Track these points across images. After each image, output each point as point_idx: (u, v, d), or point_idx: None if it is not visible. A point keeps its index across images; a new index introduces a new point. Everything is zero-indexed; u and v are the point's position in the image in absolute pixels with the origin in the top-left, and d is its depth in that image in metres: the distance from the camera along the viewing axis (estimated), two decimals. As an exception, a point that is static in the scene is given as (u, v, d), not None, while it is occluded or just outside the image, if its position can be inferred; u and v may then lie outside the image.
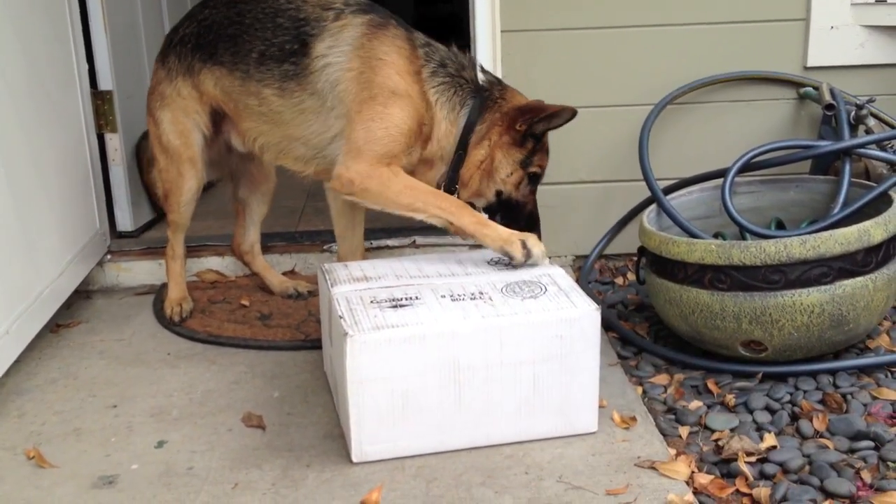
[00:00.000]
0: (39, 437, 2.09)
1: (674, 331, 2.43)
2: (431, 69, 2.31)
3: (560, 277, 2.12)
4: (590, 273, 2.91)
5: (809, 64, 2.96)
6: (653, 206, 2.59)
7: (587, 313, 1.96)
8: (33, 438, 2.08)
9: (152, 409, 2.21)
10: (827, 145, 2.49)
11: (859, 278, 2.15)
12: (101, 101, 3.13)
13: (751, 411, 2.11)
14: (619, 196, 3.00)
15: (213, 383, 2.33)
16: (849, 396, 2.13)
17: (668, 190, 2.69)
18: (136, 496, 1.85)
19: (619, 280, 2.96)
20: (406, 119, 2.26)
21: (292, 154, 2.45)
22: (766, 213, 2.61)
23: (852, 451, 1.93)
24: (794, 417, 2.09)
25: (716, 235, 2.55)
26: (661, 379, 2.31)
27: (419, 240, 3.07)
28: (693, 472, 1.87)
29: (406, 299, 2.02)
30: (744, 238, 2.46)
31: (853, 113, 2.68)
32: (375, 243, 3.06)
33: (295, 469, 1.92)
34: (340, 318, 1.93)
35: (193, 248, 3.05)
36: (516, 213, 2.40)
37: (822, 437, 2.00)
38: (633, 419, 2.06)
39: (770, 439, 1.97)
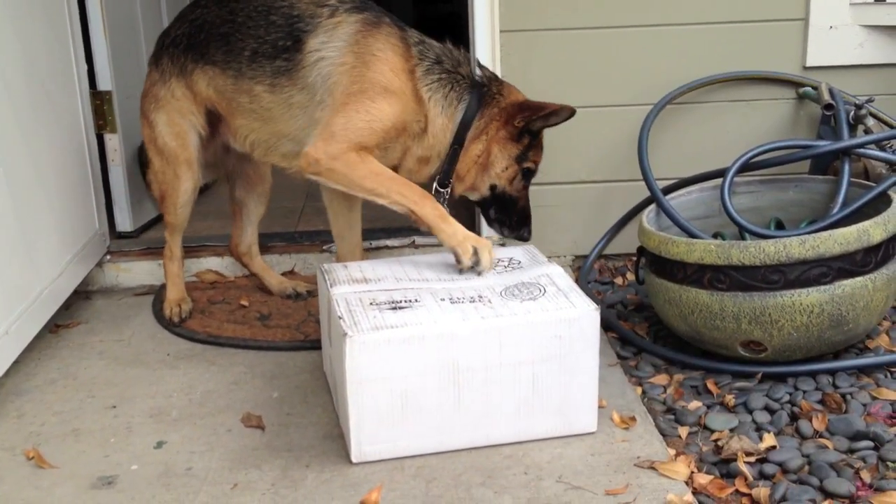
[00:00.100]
0: (39, 437, 2.09)
1: (673, 331, 2.43)
2: (426, 67, 2.32)
3: (559, 277, 2.12)
4: (589, 273, 2.91)
5: (808, 64, 2.96)
6: (652, 206, 2.58)
7: (586, 313, 1.96)
8: (32, 439, 2.08)
9: (152, 409, 2.20)
10: (826, 145, 2.49)
11: (859, 278, 2.15)
12: (100, 102, 3.13)
13: (750, 411, 2.11)
14: (618, 196, 3.00)
15: (213, 384, 2.33)
16: (848, 396, 2.13)
17: (668, 190, 2.69)
18: (136, 497, 1.85)
19: (619, 280, 2.96)
20: (392, 115, 2.27)
21: (279, 151, 2.46)
22: (766, 213, 2.61)
23: (852, 451, 1.93)
24: (794, 417, 2.09)
25: (715, 235, 2.55)
26: (661, 379, 2.31)
27: (418, 240, 3.08)
28: (692, 472, 1.87)
29: (405, 302, 2.02)
30: (743, 238, 2.46)
31: (852, 113, 2.68)
32: (375, 243, 3.06)
33: (294, 469, 1.92)
34: (340, 318, 1.93)
35: (193, 249, 3.05)
36: (509, 207, 2.43)
37: (821, 437, 2.00)
38: (633, 419, 2.06)
39: (769, 439, 1.97)
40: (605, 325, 2.53)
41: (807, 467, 1.88)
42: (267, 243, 3.06)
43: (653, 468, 1.87)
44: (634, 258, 2.54)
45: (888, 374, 2.25)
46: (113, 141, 3.18)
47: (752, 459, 1.91)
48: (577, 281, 2.69)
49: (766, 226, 2.51)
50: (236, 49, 2.41)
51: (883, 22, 2.93)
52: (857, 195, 2.36)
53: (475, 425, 1.96)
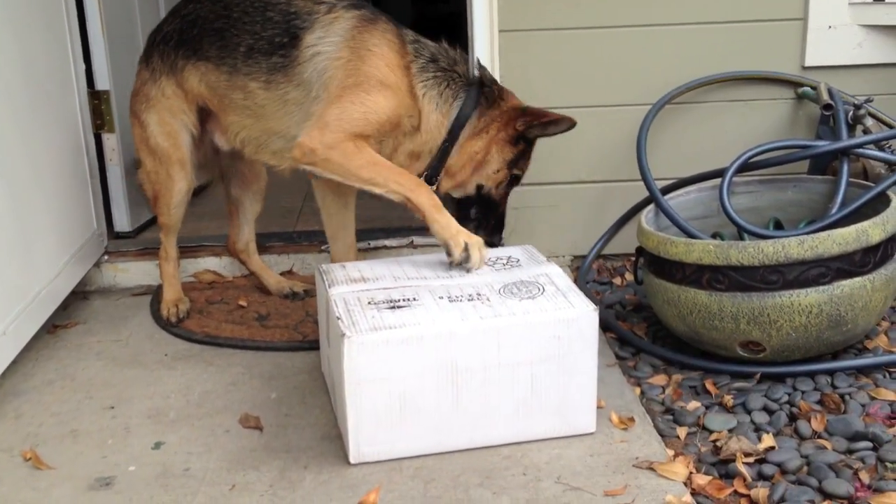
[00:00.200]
0: (36, 438, 2.09)
1: (672, 331, 2.43)
2: (421, 64, 2.33)
3: (558, 277, 2.12)
4: (588, 273, 2.91)
5: (807, 63, 2.96)
6: (651, 207, 2.58)
7: (585, 314, 1.96)
8: (30, 440, 2.08)
9: (149, 410, 2.20)
10: (825, 145, 2.48)
11: (857, 279, 2.15)
12: (98, 101, 3.12)
13: (749, 412, 2.11)
14: (617, 196, 3.00)
15: (211, 384, 2.33)
16: (847, 397, 2.13)
17: (666, 190, 2.69)
18: (133, 498, 1.84)
19: (618, 280, 2.96)
20: (387, 108, 2.28)
21: (270, 148, 2.46)
22: (765, 213, 2.61)
23: (850, 451, 1.93)
24: (793, 418, 2.08)
25: (714, 235, 2.55)
26: (660, 379, 2.30)
27: (417, 240, 3.07)
28: (691, 472, 1.87)
29: (404, 300, 2.01)
30: (742, 238, 2.46)
31: (851, 113, 2.68)
32: (373, 243, 3.06)
33: (292, 470, 1.92)
34: (338, 319, 1.93)
35: (191, 249, 3.05)
36: (489, 210, 2.44)
37: (820, 437, 2.00)
38: (632, 420, 2.06)
39: (768, 440, 1.97)
40: (604, 326, 2.53)
41: (805, 468, 1.88)
42: (265, 243, 3.06)
43: (651, 469, 1.86)
44: (633, 258, 2.54)
45: (887, 375, 2.24)
46: (111, 140, 3.18)
47: (751, 460, 1.91)
48: (575, 281, 2.69)
49: (764, 226, 2.51)
50: (231, 45, 2.40)
51: (882, 21, 2.92)
52: (855, 195, 2.36)
53: (474, 426, 1.95)
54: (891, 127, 2.78)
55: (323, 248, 3.07)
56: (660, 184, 2.66)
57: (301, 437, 2.05)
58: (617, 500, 1.78)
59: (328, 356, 2.17)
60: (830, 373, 2.24)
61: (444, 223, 2.20)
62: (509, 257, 2.27)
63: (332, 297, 2.04)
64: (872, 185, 2.38)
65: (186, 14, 2.52)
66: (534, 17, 2.90)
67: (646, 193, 2.69)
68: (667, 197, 2.60)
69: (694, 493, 1.81)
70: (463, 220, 2.36)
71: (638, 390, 2.25)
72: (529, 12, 2.90)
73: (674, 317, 2.34)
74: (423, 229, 2.64)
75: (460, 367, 1.91)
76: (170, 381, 2.36)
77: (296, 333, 2.60)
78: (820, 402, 2.13)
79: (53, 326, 2.69)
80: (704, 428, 2.07)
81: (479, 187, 2.42)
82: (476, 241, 2.19)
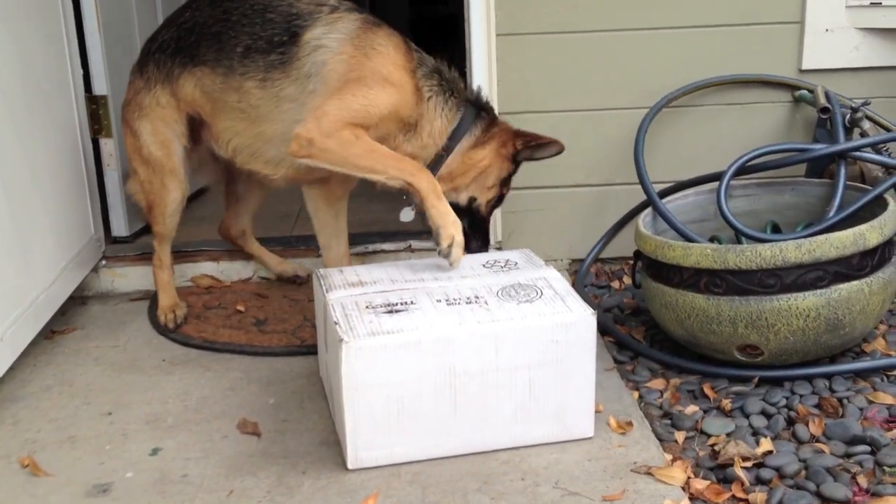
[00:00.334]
0: (34, 444, 2.08)
1: (670, 335, 2.43)
2: (425, 72, 2.36)
3: (556, 281, 2.12)
4: (586, 277, 2.91)
5: (804, 67, 2.96)
6: (648, 210, 2.58)
7: (583, 318, 1.95)
8: (28, 446, 2.08)
9: (147, 416, 2.20)
10: (822, 148, 2.48)
11: (855, 282, 2.15)
12: (95, 106, 3.12)
13: (747, 416, 2.11)
14: (615, 199, 3.00)
15: (209, 390, 2.32)
16: (845, 401, 2.13)
17: (664, 193, 2.69)
18: (131, 504, 1.85)
19: (616, 284, 2.96)
20: (390, 104, 2.29)
21: (263, 156, 2.45)
22: (762, 217, 2.61)
23: (848, 455, 1.93)
24: (791, 422, 2.08)
25: (711, 239, 2.55)
26: (658, 383, 2.30)
27: (415, 244, 3.07)
28: (689, 477, 1.87)
29: (401, 304, 2.01)
30: (739, 242, 2.46)
31: (848, 116, 2.68)
32: (371, 247, 3.05)
33: (290, 476, 1.91)
34: (336, 324, 1.92)
35: (188, 254, 3.04)
36: (476, 225, 2.47)
37: (818, 441, 2.00)
38: (630, 424, 2.06)
39: (766, 444, 1.97)
40: (602, 330, 2.53)
41: (803, 472, 1.88)
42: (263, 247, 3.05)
43: (649, 474, 1.86)
44: (631, 262, 2.54)
45: (885, 378, 2.24)
46: (108, 145, 3.17)
47: (749, 464, 1.91)
48: (573, 285, 2.69)
49: (762, 229, 2.51)
50: (228, 46, 2.40)
51: (879, 24, 2.93)
52: (853, 199, 2.36)
53: (472, 431, 1.95)
54: (888, 130, 2.79)
55: (321, 252, 3.07)
56: (657, 187, 2.66)
57: (299, 442, 2.05)
58: (615, 504, 1.78)
59: (326, 361, 2.16)
60: (828, 376, 2.24)
61: (442, 210, 2.20)
62: (507, 260, 2.27)
63: (329, 302, 2.04)
64: (870, 188, 2.38)
65: (183, 22, 2.52)
66: (531, 20, 2.90)
67: (643, 197, 2.69)
68: (664, 200, 2.60)
69: (692, 498, 1.81)
70: None
71: (636, 394, 2.25)
72: (527, 16, 2.90)
73: (672, 321, 2.34)
74: (421, 233, 2.65)
75: (458, 371, 1.91)
76: (168, 386, 2.35)
77: (294, 338, 2.60)
78: (818, 406, 2.13)
79: (51, 332, 2.69)
80: (702, 432, 2.06)
81: (472, 199, 2.45)
82: (461, 241, 2.20)
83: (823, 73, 2.95)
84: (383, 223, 3.19)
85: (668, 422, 2.12)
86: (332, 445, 2.03)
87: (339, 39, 2.31)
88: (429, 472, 1.90)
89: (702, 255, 2.20)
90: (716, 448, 1.98)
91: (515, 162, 2.45)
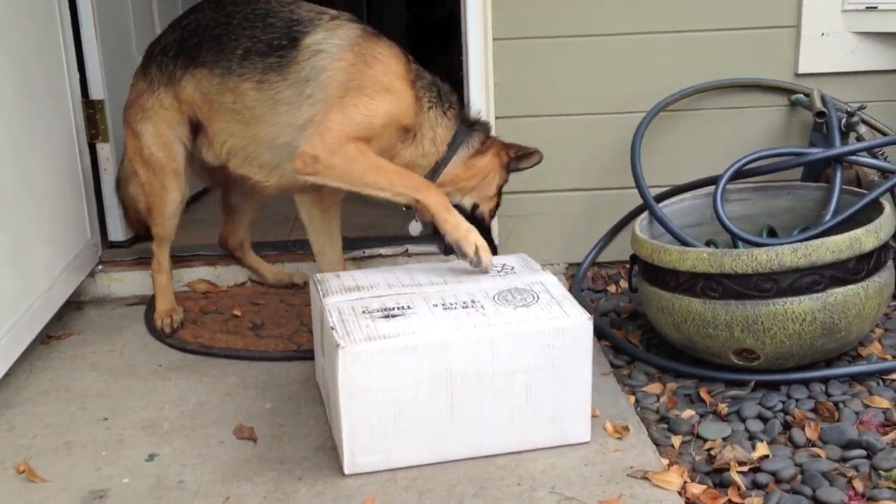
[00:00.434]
0: (30, 450, 2.08)
1: (666, 339, 2.43)
2: (423, 84, 2.39)
3: (552, 285, 2.12)
4: (582, 281, 2.91)
5: (800, 71, 2.97)
6: (645, 214, 2.59)
7: (579, 322, 1.96)
8: (24, 452, 2.07)
9: (143, 421, 2.20)
10: (818, 153, 2.49)
11: (851, 286, 2.16)
12: (92, 111, 3.12)
13: (743, 420, 2.11)
14: (611, 203, 3.00)
15: (205, 395, 2.32)
16: (841, 405, 2.13)
17: (661, 197, 2.69)
18: (127, 510, 1.84)
19: (612, 288, 2.96)
20: (392, 114, 2.30)
21: (258, 161, 2.44)
22: (758, 221, 2.61)
23: (844, 459, 1.93)
24: (787, 426, 2.08)
25: (708, 243, 2.55)
26: (654, 388, 2.30)
27: (412, 248, 3.07)
28: (685, 482, 1.87)
29: (398, 308, 2.01)
30: (735, 246, 2.46)
31: (844, 120, 2.68)
32: (368, 252, 3.05)
33: (287, 482, 1.91)
34: (332, 329, 1.92)
35: (185, 259, 3.04)
36: (482, 233, 2.43)
37: (814, 445, 2.00)
38: (626, 429, 2.06)
39: (762, 448, 1.97)
40: (599, 334, 2.53)
41: (800, 476, 1.88)
42: (260, 252, 3.05)
43: (646, 478, 1.86)
44: (627, 266, 2.54)
45: (880, 382, 2.25)
46: (105, 150, 3.17)
47: (745, 469, 1.91)
48: (570, 289, 2.69)
49: (758, 233, 2.51)
50: (228, 48, 2.40)
51: (875, 29, 2.93)
52: (848, 203, 2.36)
53: (468, 435, 1.95)
54: (884, 134, 2.79)
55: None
56: (654, 191, 2.66)
57: (295, 447, 2.05)
58: (611, 509, 1.78)
59: (323, 366, 2.16)
60: (824, 380, 2.24)
61: (455, 223, 2.21)
62: (504, 265, 2.27)
63: (326, 307, 2.04)
64: (866, 192, 2.38)
65: (187, 24, 2.52)
66: (528, 25, 2.91)
67: (640, 201, 2.69)
68: (661, 204, 2.61)
69: (688, 503, 1.81)
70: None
71: (633, 399, 2.25)
72: (524, 20, 2.90)
73: (668, 325, 2.34)
74: (418, 238, 2.65)
75: (455, 376, 1.91)
76: (164, 391, 2.35)
77: (290, 343, 2.60)
78: (814, 410, 2.13)
79: (47, 337, 2.68)
80: (699, 436, 2.07)
81: (475, 206, 2.48)
82: (484, 244, 2.21)
83: (819, 77, 2.96)
84: (380, 228, 3.19)
85: (665, 426, 2.12)
86: (328, 451, 2.02)
87: (339, 45, 2.32)
88: (425, 477, 1.90)
89: (698, 259, 2.20)
90: (712, 452, 1.98)
91: (508, 171, 2.50)
